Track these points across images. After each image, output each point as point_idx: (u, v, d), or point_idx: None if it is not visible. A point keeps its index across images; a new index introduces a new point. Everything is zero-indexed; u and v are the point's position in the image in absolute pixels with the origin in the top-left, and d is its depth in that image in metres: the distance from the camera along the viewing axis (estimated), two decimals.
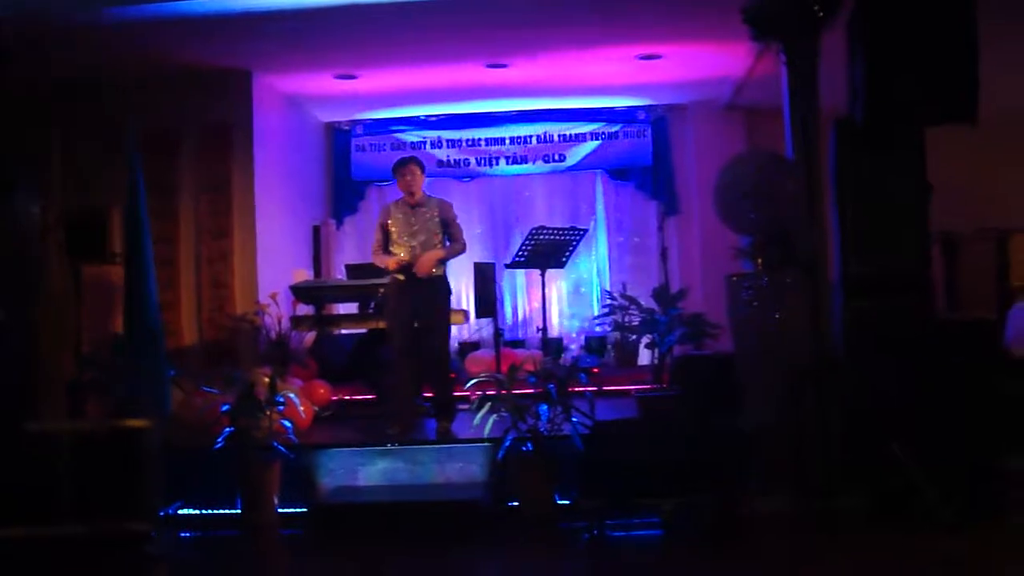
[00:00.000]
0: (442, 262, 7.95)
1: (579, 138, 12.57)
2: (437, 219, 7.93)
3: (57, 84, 9.18)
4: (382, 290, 8.37)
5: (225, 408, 7.08)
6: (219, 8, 7.95)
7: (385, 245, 8.00)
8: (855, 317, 6.93)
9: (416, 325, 7.84)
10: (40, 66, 8.58)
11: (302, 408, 7.71)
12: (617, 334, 10.34)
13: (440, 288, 7.99)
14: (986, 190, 10.30)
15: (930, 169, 6.97)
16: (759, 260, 7.32)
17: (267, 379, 7.21)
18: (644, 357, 10.62)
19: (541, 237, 10.14)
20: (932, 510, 6.09)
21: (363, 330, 9.82)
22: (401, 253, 7.87)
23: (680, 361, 8.40)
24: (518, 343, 11.96)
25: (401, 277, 7.84)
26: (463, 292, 11.93)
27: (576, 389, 7.23)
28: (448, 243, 7.98)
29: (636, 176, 12.61)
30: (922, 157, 6.97)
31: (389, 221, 7.96)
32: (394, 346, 7.91)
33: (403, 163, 7.99)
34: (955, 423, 6.47)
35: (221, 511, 7.08)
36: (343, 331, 10.22)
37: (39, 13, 7.76)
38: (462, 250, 8.11)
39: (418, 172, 7.92)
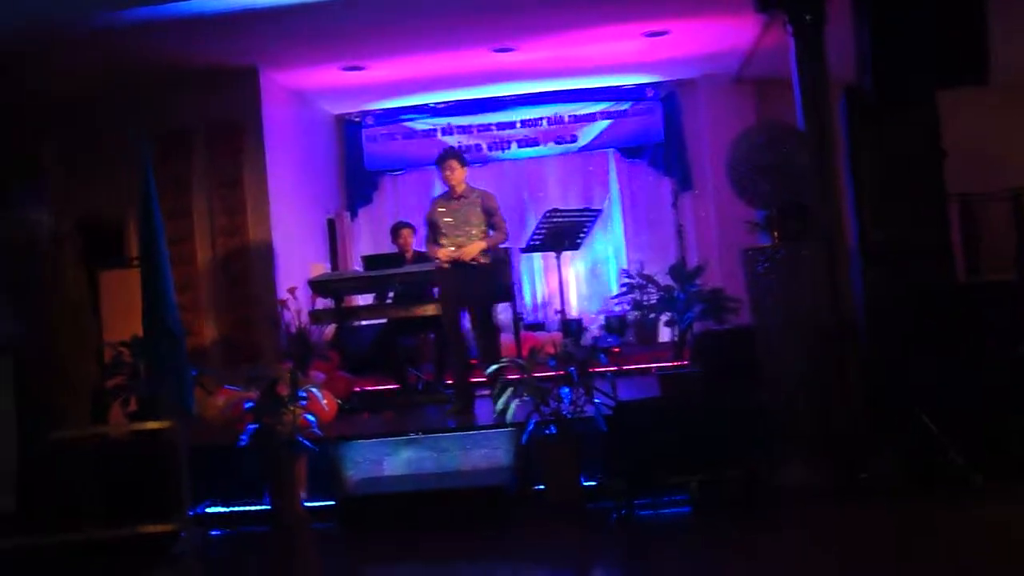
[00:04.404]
0: (485, 252, 8.13)
1: (590, 118, 12.53)
2: (479, 210, 8.13)
3: (64, 89, 9.20)
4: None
5: (248, 405, 7.10)
6: (222, 7, 7.94)
7: (434, 237, 8.22)
8: (875, 285, 6.90)
9: (468, 308, 8.23)
10: (46, 72, 8.60)
11: (325, 401, 7.73)
12: (636, 313, 10.31)
13: (487, 274, 8.25)
14: (1001, 151, 10.23)
15: (944, 132, 6.92)
16: (775, 233, 7.27)
17: (289, 374, 7.23)
18: (664, 335, 10.59)
19: (555, 219, 10.12)
20: (961, 476, 6.06)
21: (382, 320, 9.83)
22: (448, 245, 8.09)
23: (700, 337, 8.37)
24: (537, 326, 11.96)
25: (446, 265, 8.09)
26: None
27: (597, 370, 7.21)
28: (491, 233, 8.19)
29: (648, 153, 12.58)
30: (935, 120, 6.92)
31: (435, 215, 8.21)
32: (444, 329, 8.44)
33: (442, 159, 8.21)
34: (981, 386, 6.43)
35: (250, 507, 7.10)
36: (363, 322, 10.24)
37: (41, 19, 7.77)
38: (504, 239, 8.39)
39: (457, 166, 8.15)
